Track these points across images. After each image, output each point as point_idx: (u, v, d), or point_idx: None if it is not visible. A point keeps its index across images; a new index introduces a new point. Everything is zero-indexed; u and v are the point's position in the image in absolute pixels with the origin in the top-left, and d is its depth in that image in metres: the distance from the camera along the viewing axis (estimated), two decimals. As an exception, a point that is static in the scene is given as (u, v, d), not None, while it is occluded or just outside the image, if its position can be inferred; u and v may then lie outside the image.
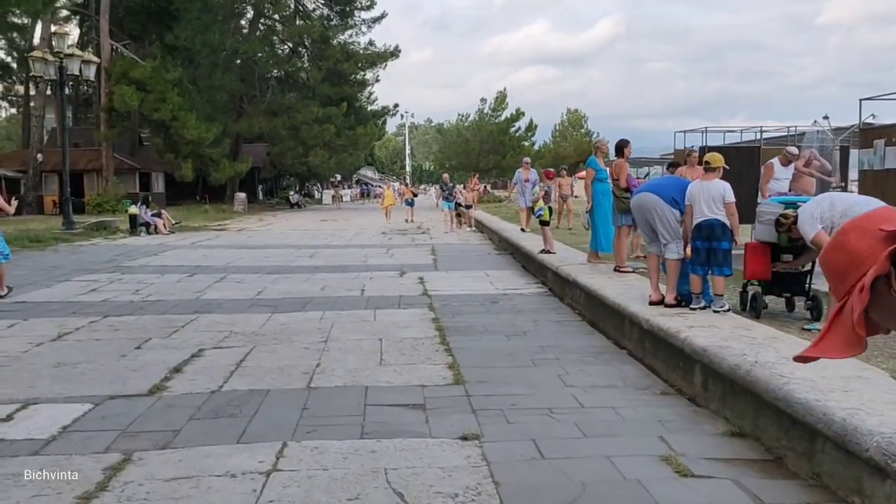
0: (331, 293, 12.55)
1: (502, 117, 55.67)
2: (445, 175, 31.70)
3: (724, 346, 5.99)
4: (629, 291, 9.05)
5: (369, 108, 59.69)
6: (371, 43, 55.19)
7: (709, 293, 7.82)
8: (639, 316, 7.63)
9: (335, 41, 53.60)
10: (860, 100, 11.01)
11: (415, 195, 35.31)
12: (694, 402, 6.25)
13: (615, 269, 11.06)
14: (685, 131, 17.19)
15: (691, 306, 7.64)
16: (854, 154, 11.82)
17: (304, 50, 54.64)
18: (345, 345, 8.47)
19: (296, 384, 6.86)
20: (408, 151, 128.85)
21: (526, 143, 57.93)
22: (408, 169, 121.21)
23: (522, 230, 18.66)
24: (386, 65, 55.58)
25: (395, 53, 55.05)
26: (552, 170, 17.64)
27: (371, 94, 60.38)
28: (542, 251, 14.14)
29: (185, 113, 39.88)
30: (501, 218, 27.96)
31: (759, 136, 16.61)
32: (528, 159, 21.93)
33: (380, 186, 72.95)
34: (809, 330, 7.25)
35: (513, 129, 56.35)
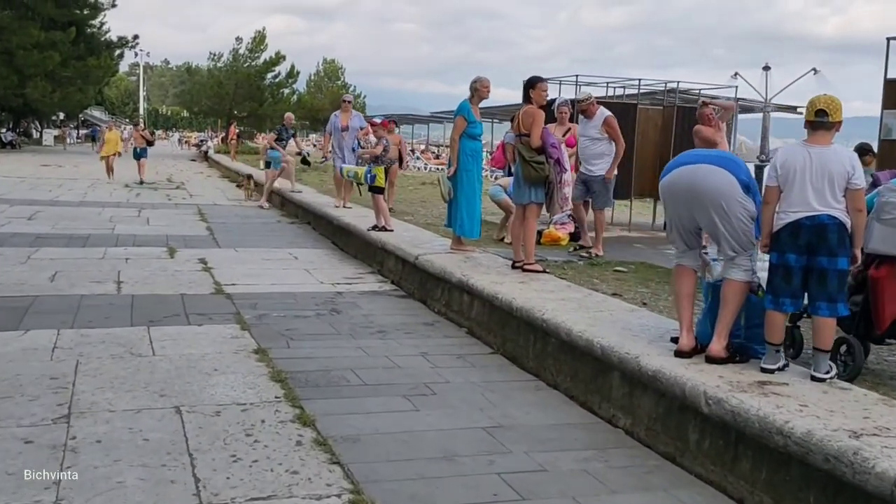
0: (67, 287, 8.04)
1: (261, 60, 50.08)
2: (289, 115, 18.76)
3: None
4: (597, 320, 5.59)
5: (103, 38, 51.58)
6: (107, -40, 47.40)
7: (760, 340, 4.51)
8: (685, 385, 4.19)
9: (62, -47, 45.32)
10: (887, 38, 8.13)
11: (149, 143, 24.41)
12: None
13: (516, 266, 7.58)
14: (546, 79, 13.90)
15: (764, 365, 4.33)
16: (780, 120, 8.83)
17: (21, -40, 45.77)
18: (109, 427, 4.32)
19: None
20: (142, 93, 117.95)
21: (286, 91, 52.73)
22: (142, 112, 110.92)
23: (338, 206, 13.44)
24: (125, -12, 48.06)
25: (136, -24, 47.73)
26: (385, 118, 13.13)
27: (104, 23, 52.26)
28: (374, 228, 10.39)
29: None
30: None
31: (620, 92, 13.80)
32: (349, 96, 15.71)
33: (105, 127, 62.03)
34: None
35: (272, 75, 50.98)
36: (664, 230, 5.25)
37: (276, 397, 4.94)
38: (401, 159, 14.40)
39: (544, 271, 7.48)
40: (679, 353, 4.57)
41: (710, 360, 4.47)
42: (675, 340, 4.75)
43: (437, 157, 49.74)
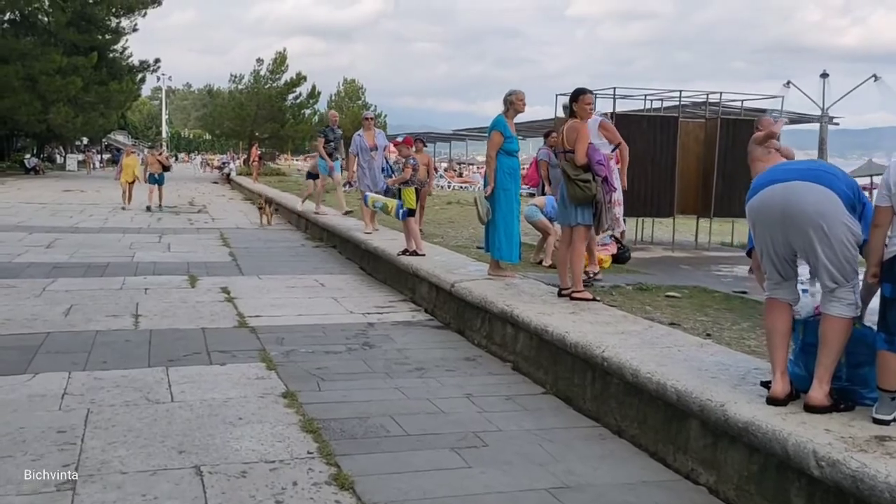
0: (82, 323, 7.54)
1: (281, 81, 49.84)
2: (334, 112, 17.22)
3: None
4: (665, 357, 4.99)
5: (125, 63, 51.64)
6: (129, -14, 47.44)
7: (871, 384, 3.88)
8: (787, 441, 3.59)
9: (84, -20, 45.47)
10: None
11: (165, 168, 22.48)
12: None
13: (563, 294, 6.99)
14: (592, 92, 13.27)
15: (877, 416, 3.71)
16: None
17: (44, -13, 45.92)
18: (120, 494, 3.78)
19: None
20: (164, 117, 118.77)
21: (308, 111, 52.44)
22: (164, 135, 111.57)
23: (368, 233, 12.23)
24: (146, 12, 48.16)
25: (156, 0, 47.80)
26: (410, 136, 12.41)
27: (126, 48, 52.28)
28: (405, 252, 9.84)
29: None
30: (298, 195, 23.05)
31: (660, 104, 13.12)
32: (370, 113, 14.70)
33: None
34: None
35: (293, 95, 50.71)
36: (747, 254, 4.57)
37: (309, 452, 4.38)
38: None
39: (594, 299, 6.89)
40: (773, 401, 3.96)
41: (811, 409, 3.85)
42: (765, 385, 4.14)
43: (460, 175, 49.27)
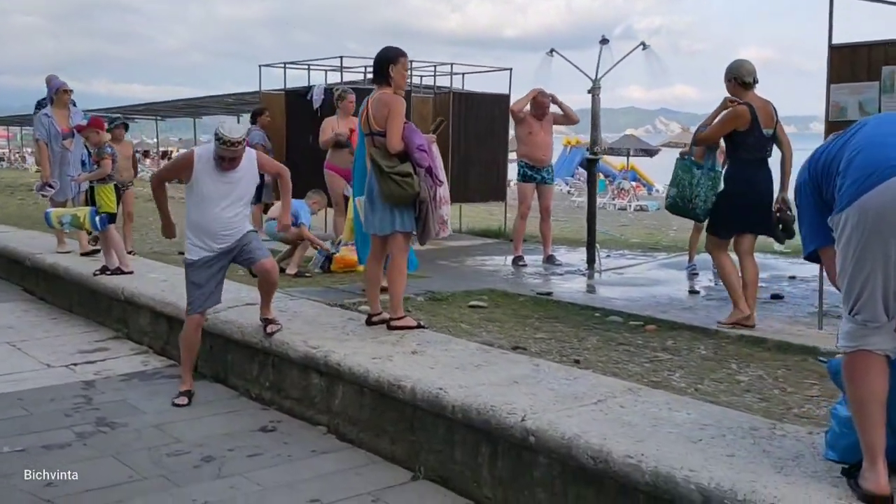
0: None
1: None
2: (54, 77, 9.04)
3: None
4: (625, 424, 3.52)
5: None
6: None
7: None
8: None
9: None
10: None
11: None
12: None
13: (374, 321, 5.25)
14: (285, 64, 11.19)
15: None
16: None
17: None
18: None
19: None
20: None
21: None
22: None
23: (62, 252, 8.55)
24: None
25: None
26: (100, 116, 8.97)
27: None
28: (104, 270, 7.39)
29: None
30: None
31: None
32: (64, 83, 8.85)
33: None
34: None
35: None
36: (806, 258, 3.10)
37: None
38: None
39: (419, 325, 5.27)
40: (873, 500, 2.69)
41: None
42: (849, 473, 2.85)
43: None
